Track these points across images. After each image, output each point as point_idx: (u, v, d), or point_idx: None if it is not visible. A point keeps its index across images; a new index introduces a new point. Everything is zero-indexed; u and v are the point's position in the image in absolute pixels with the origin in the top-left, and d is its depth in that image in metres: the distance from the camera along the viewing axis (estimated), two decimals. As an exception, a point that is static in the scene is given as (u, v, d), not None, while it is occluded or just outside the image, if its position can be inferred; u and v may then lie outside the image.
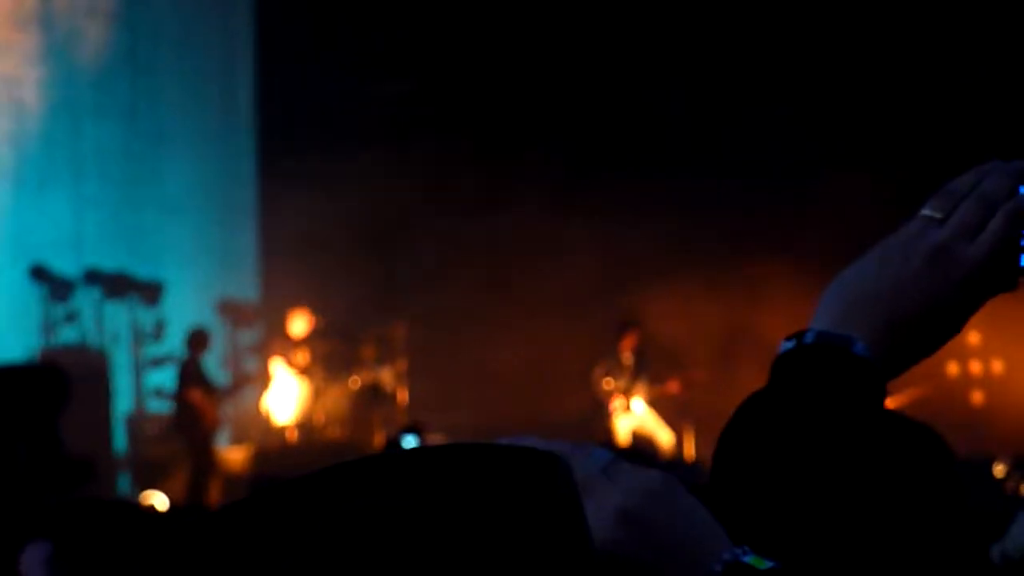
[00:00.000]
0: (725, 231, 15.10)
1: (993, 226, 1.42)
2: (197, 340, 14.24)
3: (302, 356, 15.42)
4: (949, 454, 1.47)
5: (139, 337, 15.32)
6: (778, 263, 14.31)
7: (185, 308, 15.26)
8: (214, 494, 13.54)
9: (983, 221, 1.42)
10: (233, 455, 14.73)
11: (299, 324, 15.41)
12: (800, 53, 15.80)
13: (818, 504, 1.35)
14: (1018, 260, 1.44)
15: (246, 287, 16.95)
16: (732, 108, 15.90)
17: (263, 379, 15.69)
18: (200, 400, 13.92)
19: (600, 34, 16.35)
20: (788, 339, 1.43)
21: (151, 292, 15.33)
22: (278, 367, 15.47)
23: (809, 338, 1.41)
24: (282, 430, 15.44)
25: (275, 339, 15.70)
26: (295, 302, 15.49)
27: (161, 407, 14.95)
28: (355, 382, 15.45)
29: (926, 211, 1.45)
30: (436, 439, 12.10)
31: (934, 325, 1.43)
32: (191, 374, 14.09)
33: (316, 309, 15.45)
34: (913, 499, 1.42)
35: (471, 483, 1.06)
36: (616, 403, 14.39)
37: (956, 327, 1.45)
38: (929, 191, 1.58)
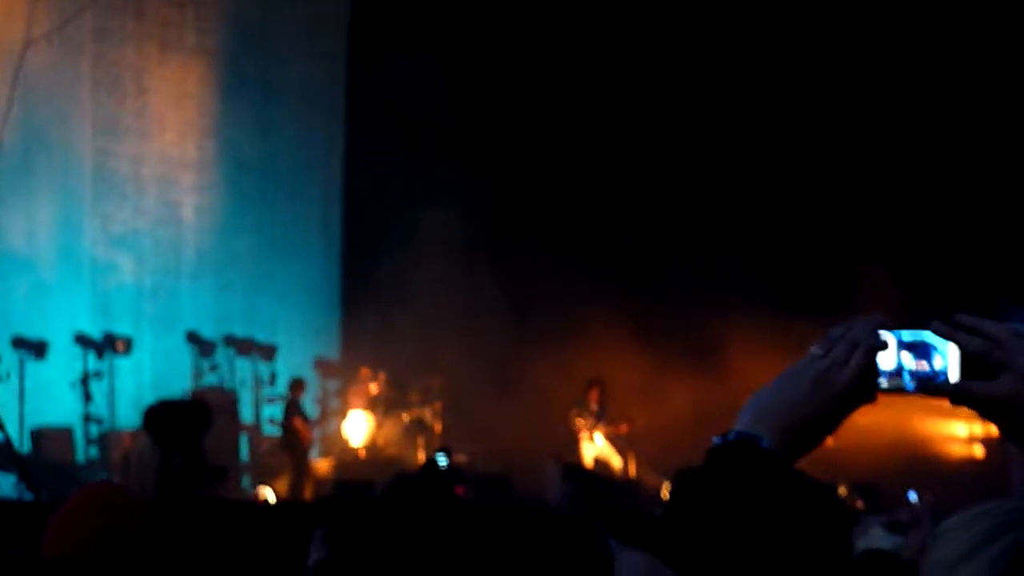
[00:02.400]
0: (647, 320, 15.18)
1: (856, 359, 1.62)
2: (297, 385, 15.31)
3: (368, 398, 16.01)
4: (840, 508, 1.55)
5: (259, 382, 16.00)
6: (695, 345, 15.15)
7: (290, 363, 16.10)
8: (307, 492, 14.42)
9: (850, 356, 1.63)
10: (321, 465, 15.53)
11: (368, 376, 16.13)
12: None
13: (739, 552, 1.55)
14: (874, 381, 1.65)
15: (332, 350, 17.46)
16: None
17: (342, 413, 16.27)
18: (299, 426, 14.88)
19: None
20: (718, 437, 1.64)
21: (268, 352, 16.18)
22: (352, 406, 16.15)
23: (731, 436, 1.63)
24: (355, 449, 15.87)
25: (351, 386, 16.28)
26: (365, 361, 16.18)
27: (272, 431, 15.75)
28: (405, 417, 16.00)
29: (814, 349, 1.65)
30: (460, 458, 12.93)
31: (817, 427, 1.65)
32: (293, 408, 15.09)
33: (380, 367, 16.13)
34: (807, 546, 1.54)
35: (567, 541, 1.68)
36: (583, 436, 15.21)
37: (832, 429, 1.66)
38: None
